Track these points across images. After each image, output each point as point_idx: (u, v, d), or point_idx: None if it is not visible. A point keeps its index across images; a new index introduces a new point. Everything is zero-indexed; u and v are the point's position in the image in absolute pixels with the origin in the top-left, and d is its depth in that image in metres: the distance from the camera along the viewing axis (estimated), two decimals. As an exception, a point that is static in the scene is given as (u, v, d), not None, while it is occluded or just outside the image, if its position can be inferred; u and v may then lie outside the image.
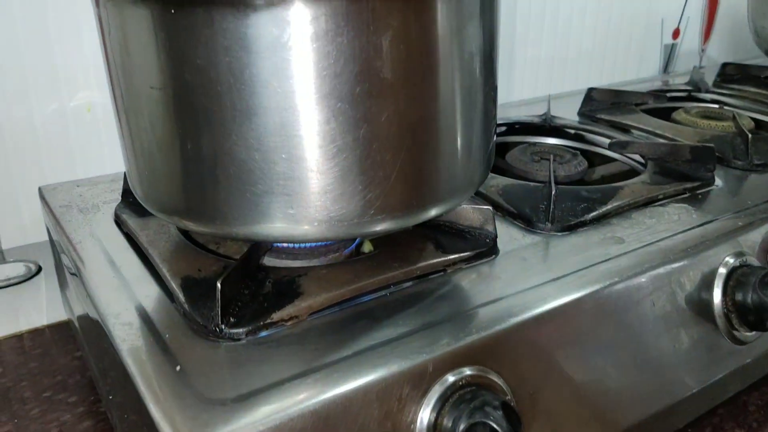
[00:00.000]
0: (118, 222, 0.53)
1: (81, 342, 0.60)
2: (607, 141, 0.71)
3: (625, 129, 0.76)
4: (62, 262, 0.56)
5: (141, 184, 0.42)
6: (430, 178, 0.40)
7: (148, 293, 0.43)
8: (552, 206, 0.52)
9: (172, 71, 0.35)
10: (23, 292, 0.68)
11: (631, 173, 0.68)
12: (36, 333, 0.68)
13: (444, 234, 0.49)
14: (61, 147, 0.68)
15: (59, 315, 0.67)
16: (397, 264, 0.44)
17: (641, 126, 0.75)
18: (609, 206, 0.55)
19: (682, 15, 1.10)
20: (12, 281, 0.68)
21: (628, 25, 1.05)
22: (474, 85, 0.40)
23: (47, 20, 0.64)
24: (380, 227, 0.39)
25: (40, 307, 0.68)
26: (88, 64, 0.67)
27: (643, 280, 0.47)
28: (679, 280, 0.49)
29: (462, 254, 0.47)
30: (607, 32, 1.03)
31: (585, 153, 0.71)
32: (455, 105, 0.39)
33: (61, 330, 0.67)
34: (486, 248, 0.48)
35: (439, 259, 0.46)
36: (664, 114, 0.81)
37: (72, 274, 0.51)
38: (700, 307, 0.51)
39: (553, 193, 0.52)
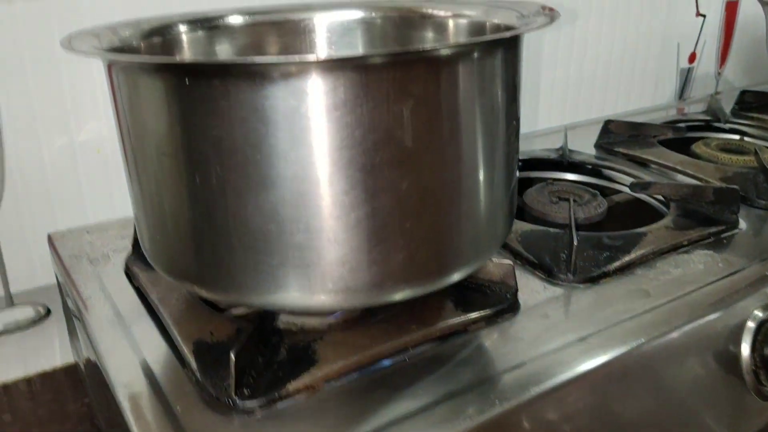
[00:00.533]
0: (129, 274, 0.52)
1: (88, 388, 0.59)
2: (626, 177, 0.70)
3: (643, 163, 0.74)
4: (70, 307, 0.55)
5: (151, 247, 0.41)
6: (452, 243, 0.38)
7: (159, 357, 0.42)
8: (573, 257, 0.50)
9: (186, 140, 0.34)
10: (32, 336, 0.67)
11: (651, 210, 0.66)
12: (45, 377, 0.67)
13: (463, 289, 0.47)
14: (71, 187, 0.67)
15: (68, 358, 0.66)
16: (415, 326, 0.43)
17: (661, 161, 0.73)
18: (633, 255, 0.53)
19: (698, 38, 1.08)
20: (21, 325, 0.67)
21: (644, 50, 1.03)
22: (497, 143, 0.38)
23: (55, 50, 0.62)
24: (400, 296, 0.38)
25: (49, 351, 0.67)
26: (96, 92, 0.66)
27: (670, 337, 0.45)
28: (707, 336, 0.47)
29: (482, 312, 0.45)
30: (623, 57, 1.01)
31: (604, 189, 0.70)
32: (478, 166, 0.37)
33: (70, 373, 0.66)
34: (507, 304, 0.47)
35: (459, 319, 0.44)
36: (683, 145, 0.79)
37: (76, 318, 0.50)
38: (728, 362, 0.49)
39: (574, 244, 0.51)
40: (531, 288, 0.50)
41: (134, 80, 0.34)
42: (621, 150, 0.77)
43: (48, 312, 0.68)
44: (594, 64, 0.99)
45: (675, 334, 0.45)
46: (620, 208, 0.68)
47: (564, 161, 0.74)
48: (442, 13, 0.52)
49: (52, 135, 0.65)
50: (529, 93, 0.95)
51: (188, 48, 0.50)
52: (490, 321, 0.45)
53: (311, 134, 0.32)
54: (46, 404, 0.62)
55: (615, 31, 0.99)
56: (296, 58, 0.29)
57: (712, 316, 0.47)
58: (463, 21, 0.51)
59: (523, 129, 0.95)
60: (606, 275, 0.51)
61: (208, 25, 0.52)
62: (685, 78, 1.10)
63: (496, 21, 0.47)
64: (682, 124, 0.82)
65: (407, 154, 0.34)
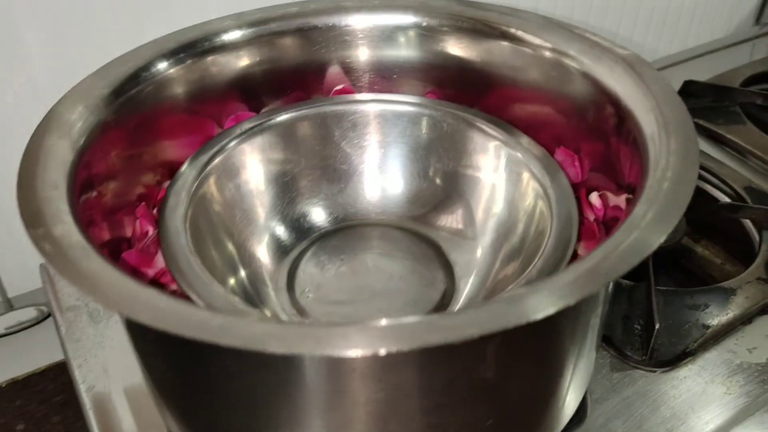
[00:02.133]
0: (135, 343, 0.45)
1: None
2: (706, 174, 0.60)
3: (726, 144, 0.63)
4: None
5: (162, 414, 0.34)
6: None
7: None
8: (652, 342, 0.43)
9: (200, 381, 0.25)
10: (38, 334, 0.62)
11: (738, 225, 0.56)
12: (57, 371, 0.64)
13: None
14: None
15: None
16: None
17: (746, 146, 0.62)
18: (718, 323, 0.45)
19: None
20: (25, 325, 0.62)
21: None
22: (592, 345, 0.30)
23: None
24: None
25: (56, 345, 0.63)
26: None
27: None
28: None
29: (545, 431, 0.39)
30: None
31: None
32: (570, 371, 0.29)
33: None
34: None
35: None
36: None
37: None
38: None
39: (656, 327, 0.43)
40: (598, 372, 0.43)
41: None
42: (701, 122, 0.65)
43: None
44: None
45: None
46: (701, 217, 0.58)
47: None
48: (536, 40, 0.39)
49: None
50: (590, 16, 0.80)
51: (181, 82, 0.39)
52: (553, 439, 0.39)
53: (356, 389, 0.23)
54: (58, 408, 0.59)
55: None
56: (339, 353, 0.20)
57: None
58: (566, 61, 0.38)
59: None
60: (688, 355, 0.44)
61: (206, 46, 0.40)
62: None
63: (618, 91, 0.35)
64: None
65: (486, 389, 0.25)
